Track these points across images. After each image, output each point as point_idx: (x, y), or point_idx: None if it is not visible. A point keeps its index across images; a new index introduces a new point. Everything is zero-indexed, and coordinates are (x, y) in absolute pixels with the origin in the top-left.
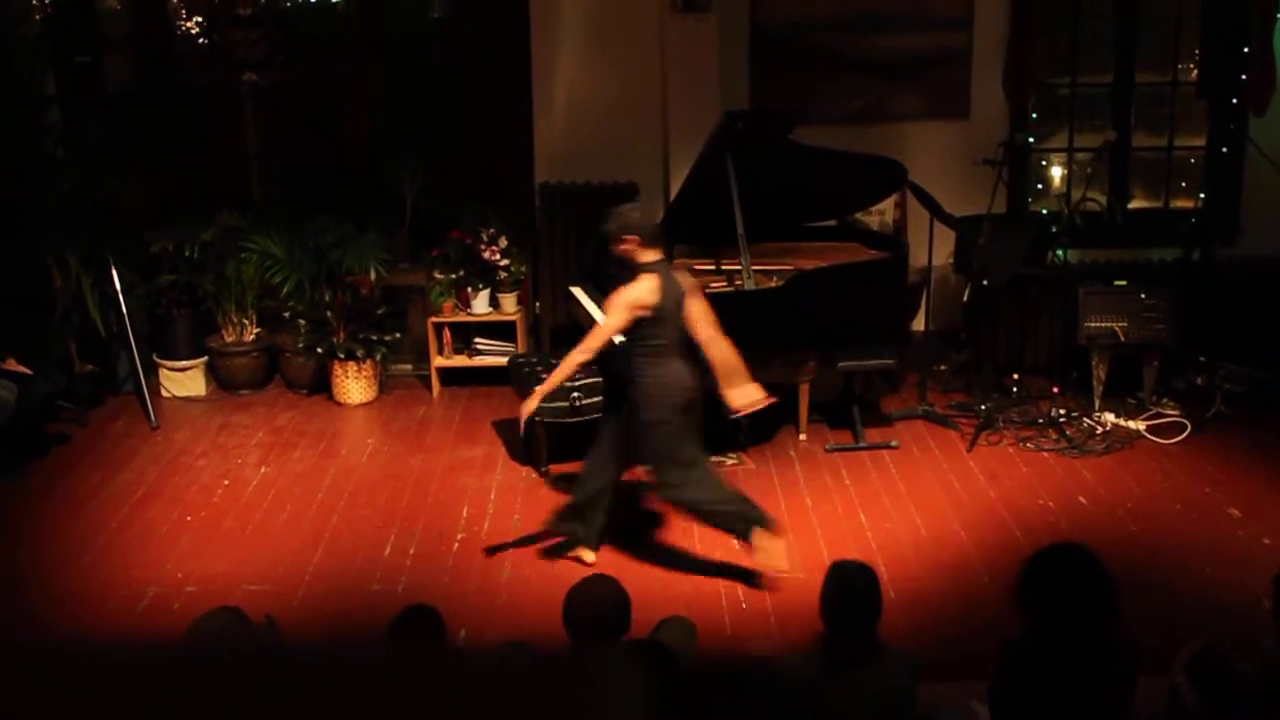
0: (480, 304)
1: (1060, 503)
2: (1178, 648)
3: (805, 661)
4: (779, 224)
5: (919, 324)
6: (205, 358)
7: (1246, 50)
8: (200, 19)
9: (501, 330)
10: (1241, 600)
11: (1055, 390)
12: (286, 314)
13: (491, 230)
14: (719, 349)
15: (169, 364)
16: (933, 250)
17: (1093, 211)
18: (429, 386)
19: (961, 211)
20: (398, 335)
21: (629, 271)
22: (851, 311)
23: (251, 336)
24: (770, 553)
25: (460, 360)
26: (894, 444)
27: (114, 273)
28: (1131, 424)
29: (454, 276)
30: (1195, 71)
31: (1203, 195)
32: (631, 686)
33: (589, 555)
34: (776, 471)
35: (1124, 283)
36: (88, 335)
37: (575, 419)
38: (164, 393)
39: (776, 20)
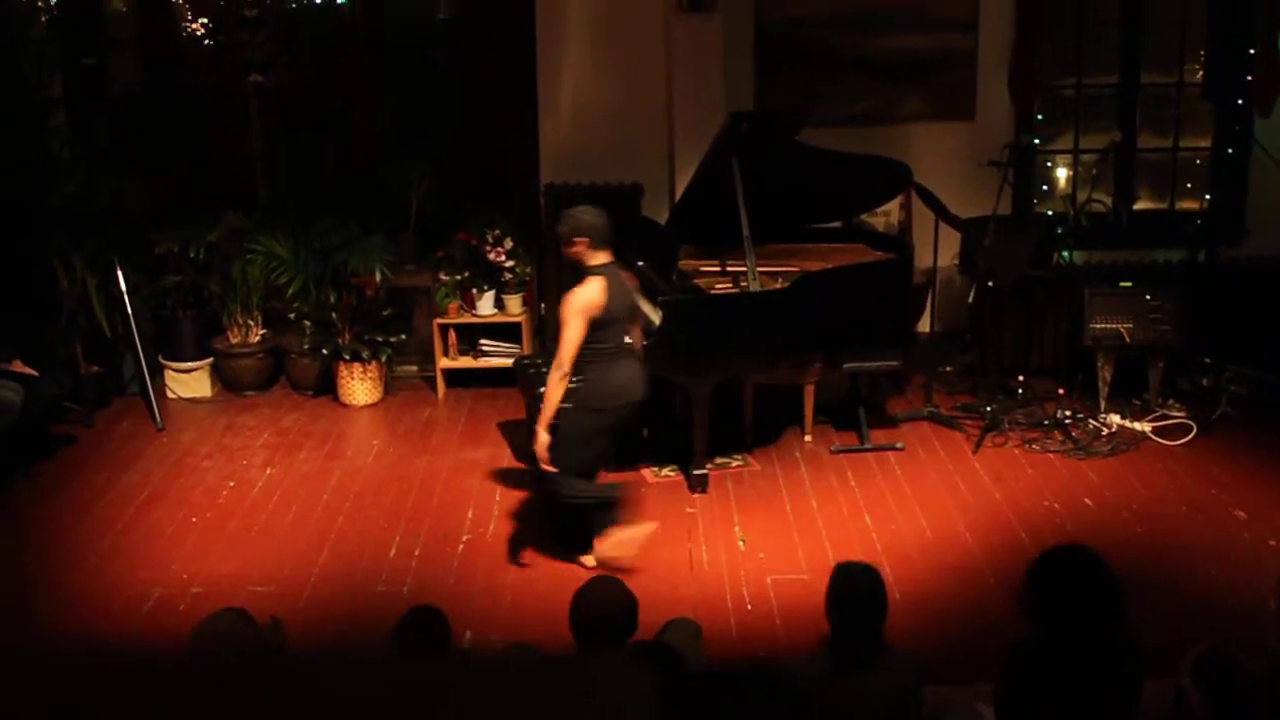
0: (485, 305)
1: (1066, 504)
2: (1183, 649)
3: (811, 663)
4: (784, 225)
5: (924, 325)
6: (210, 359)
7: (1252, 52)
8: (206, 20)
9: (507, 331)
10: (1247, 601)
11: (1060, 392)
12: (292, 315)
13: (497, 231)
14: None
15: (174, 365)
16: (938, 252)
17: (1098, 213)
18: (434, 388)
19: (967, 213)
20: (403, 336)
21: (577, 274)
22: (857, 313)
23: (257, 338)
24: (620, 544)
25: (465, 361)
26: (899, 445)
27: (119, 274)
28: (1137, 425)
29: (459, 278)
30: (1200, 73)
31: (1208, 196)
32: (637, 688)
33: (589, 559)
34: (782, 473)
35: (1129, 284)
36: (93, 336)
37: None
38: (169, 394)
39: (782, 20)
